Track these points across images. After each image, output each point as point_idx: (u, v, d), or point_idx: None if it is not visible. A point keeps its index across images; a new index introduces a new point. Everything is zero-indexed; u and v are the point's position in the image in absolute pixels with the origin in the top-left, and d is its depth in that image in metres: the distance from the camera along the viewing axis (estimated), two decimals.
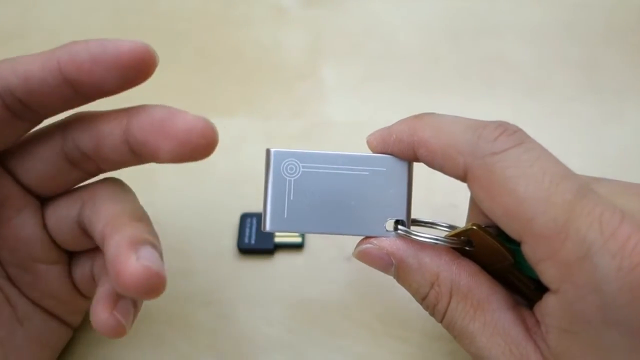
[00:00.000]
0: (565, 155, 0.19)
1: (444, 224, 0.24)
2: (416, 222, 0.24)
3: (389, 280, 0.23)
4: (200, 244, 0.32)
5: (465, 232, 0.21)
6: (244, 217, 0.32)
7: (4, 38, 0.41)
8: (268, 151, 0.22)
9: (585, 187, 0.18)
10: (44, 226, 0.24)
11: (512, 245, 0.21)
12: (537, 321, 0.20)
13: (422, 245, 0.22)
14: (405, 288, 0.23)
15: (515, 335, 0.20)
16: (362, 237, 0.23)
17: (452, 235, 0.22)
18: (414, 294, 0.23)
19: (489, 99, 0.37)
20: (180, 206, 0.33)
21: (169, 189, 0.34)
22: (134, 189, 0.25)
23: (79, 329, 0.28)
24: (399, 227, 0.22)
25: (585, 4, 0.41)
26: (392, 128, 0.22)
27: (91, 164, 0.23)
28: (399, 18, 0.41)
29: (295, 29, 0.41)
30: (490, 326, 0.21)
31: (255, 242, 0.31)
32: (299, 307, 0.30)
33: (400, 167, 0.22)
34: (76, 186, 0.25)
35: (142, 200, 0.25)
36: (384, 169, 0.22)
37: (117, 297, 0.21)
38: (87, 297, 0.26)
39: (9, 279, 0.24)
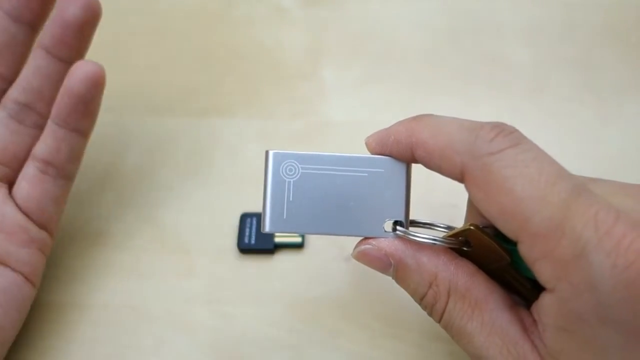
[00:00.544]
0: (563, 156, 0.20)
1: (442, 225, 0.24)
2: (414, 223, 0.24)
3: (388, 280, 0.23)
4: (200, 244, 0.32)
5: (463, 233, 0.22)
6: (244, 217, 0.32)
7: None
8: (267, 153, 0.23)
9: (581, 186, 0.18)
10: None
11: (509, 245, 0.21)
12: (534, 320, 0.20)
13: (420, 245, 0.22)
14: (404, 288, 0.23)
15: (512, 334, 0.20)
16: (360, 238, 0.23)
17: (450, 236, 0.22)
18: (413, 294, 0.23)
19: (488, 99, 0.37)
20: (180, 206, 0.33)
21: (169, 189, 0.34)
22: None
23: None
24: (398, 227, 0.22)
25: (584, 4, 0.41)
26: (390, 129, 0.22)
27: None
28: (399, 18, 0.41)
29: (295, 29, 0.41)
30: (488, 326, 0.21)
31: (255, 242, 0.31)
32: (299, 307, 0.30)
33: (398, 168, 0.23)
34: None
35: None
36: (383, 170, 0.23)
37: None
38: (42, 226, 0.27)
39: None
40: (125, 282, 0.31)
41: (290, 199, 0.22)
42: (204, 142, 0.36)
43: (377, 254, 0.23)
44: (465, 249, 0.22)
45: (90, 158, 0.31)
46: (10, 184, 0.27)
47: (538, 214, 0.18)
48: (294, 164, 0.22)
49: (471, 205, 0.23)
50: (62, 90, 0.27)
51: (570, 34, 0.40)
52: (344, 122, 0.37)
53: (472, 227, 0.21)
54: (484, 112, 0.36)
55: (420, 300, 0.23)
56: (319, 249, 0.32)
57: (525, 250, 0.19)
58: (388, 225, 0.23)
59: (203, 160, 0.35)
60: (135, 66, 0.39)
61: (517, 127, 0.20)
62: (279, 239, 0.31)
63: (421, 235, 0.22)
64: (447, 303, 0.22)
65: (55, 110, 0.27)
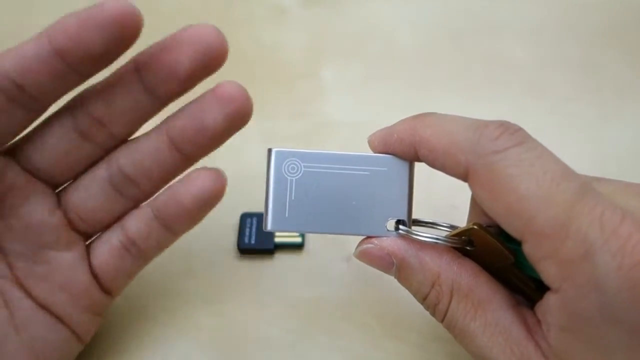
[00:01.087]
0: (565, 155, 0.19)
1: (445, 224, 0.24)
2: (417, 222, 0.24)
3: (389, 280, 0.23)
4: (201, 244, 0.32)
5: (466, 232, 0.22)
6: (244, 217, 0.32)
7: (4, 38, 0.41)
8: (269, 151, 0.22)
9: (586, 185, 0.18)
10: (58, 210, 0.24)
11: (512, 244, 0.21)
12: (538, 320, 0.20)
13: (423, 245, 0.22)
14: (406, 288, 0.23)
15: (516, 334, 0.20)
16: (363, 237, 0.23)
17: (453, 235, 0.22)
18: (415, 293, 0.23)
19: (488, 99, 0.37)
20: None
21: None
22: None
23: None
24: (400, 227, 0.22)
25: (584, 4, 0.41)
26: (393, 128, 0.22)
27: (102, 131, 0.24)
28: (399, 18, 0.41)
29: (295, 29, 0.41)
30: (491, 325, 0.21)
31: (256, 242, 0.31)
32: (299, 307, 0.30)
33: (401, 167, 0.22)
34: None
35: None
36: (385, 169, 0.22)
37: None
38: (107, 291, 0.26)
39: (15, 279, 0.24)
40: None
41: (293, 198, 0.22)
42: None
43: (380, 253, 0.22)
44: (468, 248, 0.22)
45: None
46: (88, 239, 0.26)
47: (543, 213, 0.18)
48: (296, 162, 0.22)
49: (474, 205, 0.23)
50: (172, 193, 0.25)
51: (570, 34, 0.40)
52: (344, 122, 0.37)
53: (475, 226, 0.21)
54: (484, 112, 0.36)
55: (423, 300, 0.22)
56: (319, 249, 0.32)
57: (530, 249, 0.19)
58: (390, 224, 0.23)
59: (203, 160, 0.35)
60: None
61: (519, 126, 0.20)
62: (279, 239, 0.31)
63: (424, 234, 0.22)
64: (450, 303, 0.22)
65: (158, 204, 0.25)
